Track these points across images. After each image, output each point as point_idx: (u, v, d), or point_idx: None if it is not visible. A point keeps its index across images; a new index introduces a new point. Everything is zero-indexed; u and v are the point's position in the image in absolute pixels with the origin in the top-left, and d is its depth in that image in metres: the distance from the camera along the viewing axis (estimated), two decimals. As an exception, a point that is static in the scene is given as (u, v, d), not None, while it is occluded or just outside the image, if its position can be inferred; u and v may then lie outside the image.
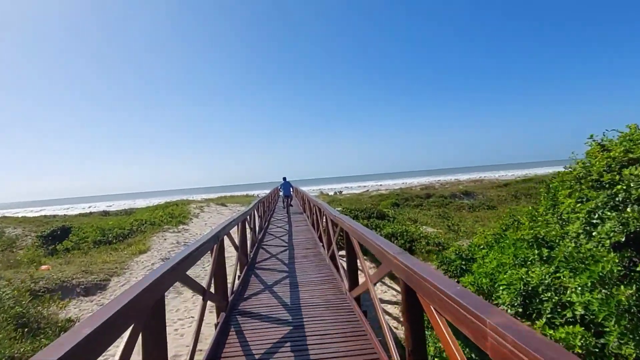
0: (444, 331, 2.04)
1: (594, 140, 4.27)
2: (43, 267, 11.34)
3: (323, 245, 9.26)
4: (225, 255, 10.43)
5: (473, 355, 3.71)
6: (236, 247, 7.22)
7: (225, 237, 6.11)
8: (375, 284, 4.07)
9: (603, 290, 2.78)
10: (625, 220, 3.05)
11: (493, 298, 4.13)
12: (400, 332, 6.50)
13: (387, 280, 8.91)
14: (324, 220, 9.09)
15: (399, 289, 8.37)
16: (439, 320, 2.09)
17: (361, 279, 6.16)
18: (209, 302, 4.78)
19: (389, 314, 7.07)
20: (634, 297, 2.70)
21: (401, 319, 6.90)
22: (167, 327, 6.89)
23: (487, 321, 1.49)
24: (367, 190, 52.96)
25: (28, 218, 34.52)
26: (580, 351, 2.74)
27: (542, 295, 3.25)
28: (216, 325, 4.79)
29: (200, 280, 9.48)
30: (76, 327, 1.78)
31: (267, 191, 26.50)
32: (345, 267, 5.74)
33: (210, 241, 4.51)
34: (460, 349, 1.94)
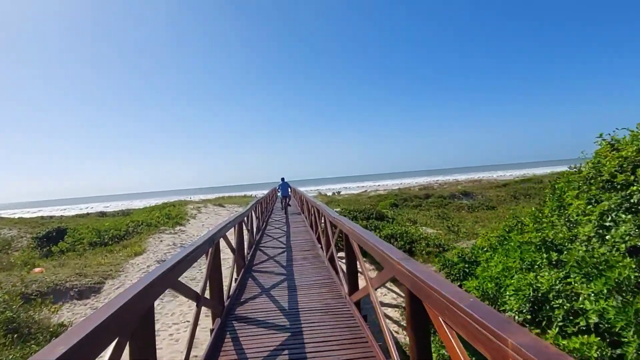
0: (455, 346, 1.88)
1: (603, 140, 4.11)
2: (36, 269, 11.14)
3: (322, 247, 9.10)
4: (223, 257, 10.27)
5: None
6: (233, 250, 7.04)
7: (222, 239, 5.95)
8: (376, 289, 3.90)
9: (619, 298, 2.62)
10: (641, 223, 2.90)
11: (499, 304, 3.97)
12: (401, 337, 6.35)
13: (387, 282, 8.75)
14: (323, 221, 8.92)
15: (399, 291, 8.23)
16: (448, 334, 1.92)
17: (361, 282, 6.01)
18: (204, 308, 4.63)
19: (390, 318, 6.91)
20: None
21: (402, 323, 6.74)
22: (162, 332, 6.74)
23: (508, 341, 1.32)
24: (366, 191, 52.83)
25: (24, 219, 34.24)
26: (596, 363, 2.59)
27: (552, 302, 3.09)
28: (212, 331, 4.61)
29: (197, 282, 9.33)
30: (50, 346, 1.60)
31: (265, 192, 26.32)
32: (345, 270, 5.58)
33: (205, 244, 4.34)
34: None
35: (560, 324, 2.97)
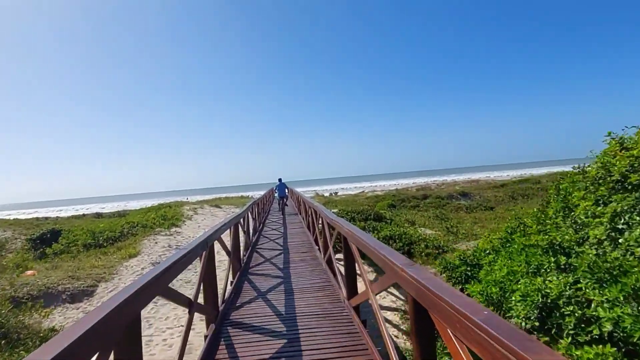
0: (465, 361, 1.72)
1: (612, 138, 3.97)
2: (28, 272, 10.93)
3: (319, 249, 8.94)
4: (218, 259, 10.09)
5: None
6: (228, 252, 6.87)
7: (217, 241, 5.78)
8: (377, 294, 3.74)
9: (636, 306, 2.47)
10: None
11: (504, 309, 3.82)
12: (401, 341, 6.19)
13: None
14: (320, 222, 8.76)
15: (399, 294, 8.07)
16: (458, 349, 1.77)
17: (360, 284, 5.85)
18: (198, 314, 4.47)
19: (389, 322, 6.75)
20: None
21: (402, 327, 6.58)
22: (155, 337, 6.56)
23: (530, 360, 1.17)
24: (363, 191, 52.70)
25: (19, 220, 33.93)
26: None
27: (563, 309, 2.93)
28: (205, 338, 4.44)
29: (192, 285, 9.14)
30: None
31: (262, 192, 26.13)
32: (343, 273, 5.42)
33: (197, 248, 4.16)
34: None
35: (571, 332, 2.82)
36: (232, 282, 6.94)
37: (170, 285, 3.28)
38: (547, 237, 3.79)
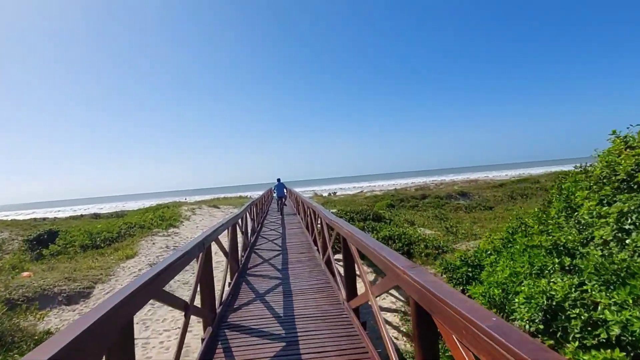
0: (472, 369, 1.64)
1: (617, 137, 3.89)
2: (24, 273, 10.82)
3: (318, 249, 8.86)
4: (217, 260, 9.99)
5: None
6: (226, 253, 6.78)
7: (214, 242, 5.70)
8: (377, 297, 3.66)
9: (645, 309, 2.40)
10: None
11: (507, 311, 3.74)
12: (401, 343, 6.11)
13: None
14: (319, 223, 8.68)
15: (399, 295, 7.99)
16: (465, 356, 1.69)
17: (359, 285, 5.77)
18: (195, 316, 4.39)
19: (389, 323, 6.66)
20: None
21: (402, 329, 6.50)
22: (152, 340, 6.47)
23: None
24: (362, 191, 52.62)
25: (17, 221, 33.79)
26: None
27: (569, 312, 2.86)
28: (202, 341, 4.35)
29: (190, 286, 9.05)
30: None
31: (261, 192, 26.03)
32: (343, 275, 5.34)
33: (194, 249, 4.08)
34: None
35: (578, 335, 2.74)
36: (229, 284, 6.85)
37: (167, 286, 3.23)
38: (550, 237, 3.72)
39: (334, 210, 16.97)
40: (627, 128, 3.87)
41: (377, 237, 10.98)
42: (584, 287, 2.97)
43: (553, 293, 2.98)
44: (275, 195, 19.95)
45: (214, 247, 6.30)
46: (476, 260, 5.53)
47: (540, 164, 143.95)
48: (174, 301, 3.46)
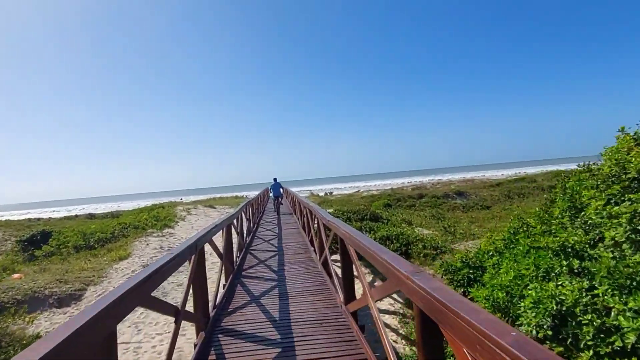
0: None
1: (626, 133, 3.75)
2: (15, 275, 10.60)
3: (314, 250, 8.69)
4: (212, 260, 9.80)
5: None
6: (220, 255, 6.60)
7: (208, 243, 5.53)
8: (377, 301, 3.50)
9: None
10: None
11: (512, 316, 3.59)
12: (400, 347, 5.96)
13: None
14: (316, 223, 8.52)
15: (397, 296, 7.84)
16: (478, 372, 1.52)
17: (357, 285, 5.62)
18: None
19: (388, 326, 6.51)
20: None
21: (401, 332, 6.35)
22: (144, 344, 6.28)
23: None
24: (358, 191, 52.48)
25: (11, 221, 33.44)
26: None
27: (580, 318, 2.70)
28: (195, 347, 4.18)
29: (184, 289, 8.86)
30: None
31: (257, 192, 25.84)
32: (340, 277, 5.17)
33: (186, 252, 3.90)
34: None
35: (590, 342, 2.59)
36: (224, 286, 6.68)
37: (161, 288, 3.06)
38: (557, 238, 3.56)
39: (330, 210, 16.82)
40: (637, 124, 3.73)
41: (374, 237, 10.83)
42: (596, 291, 2.82)
43: (563, 297, 2.83)
44: (271, 195, 19.82)
45: (208, 248, 6.14)
46: (477, 262, 5.38)
47: (536, 164, 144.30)
48: (163, 307, 3.29)
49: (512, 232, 5.66)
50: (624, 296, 2.58)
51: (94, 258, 12.08)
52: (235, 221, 9.20)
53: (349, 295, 4.90)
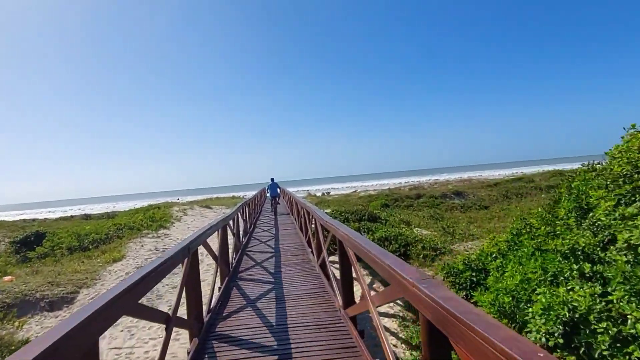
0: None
1: (637, 131, 3.60)
2: (6, 278, 10.37)
3: (312, 252, 8.53)
4: (207, 262, 9.62)
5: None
6: (215, 257, 6.43)
7: (202, 246, 5.36)
8: (378, 307, 3.34)
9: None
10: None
11: (518, 321, 3.43)
12: (400, 351, 5.81)
13: (381, 288, 8.16)
14: (313, 224, 8.36)
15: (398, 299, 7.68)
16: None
17: (356, 287, 5.45)
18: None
19: (387, 330, 6.35)
20: None
21: (401, 335, 6.19)
22: (137, 349, 6.10)
23: None
24: (356, 191, 52.33)
25: (5, 222, 33.15)
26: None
27: (594, 326, 2.55)
28: (188, 353, 4.01)
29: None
30: None
31: (254, 192, 25.65)
32: (339, 280, 5.01)
33: (177, 255, 3.73)
34: None
35: (605, 352, 2.44)
36: (219, 288, 6.51)
37: (155, 290, 2.90)
38: (567, 241, 3.41)
39: (328, 211, 16.65)
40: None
41: (372, 238, 10.67)
42: (610, 297, 2.67)
43: (575, 304, 2.68)
44: (268, 195, 19.68)
45: (203, 250, 5.97)
46: (480, 264, 5.23)
47: (533, 163, 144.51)
48: (152, 315, 3.12)
49: (514, 233, 5.51)
50: (641, 303, 2.43)
51: (87, 260, 11.87)
52: (231, 222, 9.03)
53: (348, 299, 4.74)
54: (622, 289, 2.53)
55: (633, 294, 2.50)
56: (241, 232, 10.91)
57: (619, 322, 2.52)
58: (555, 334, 2.77)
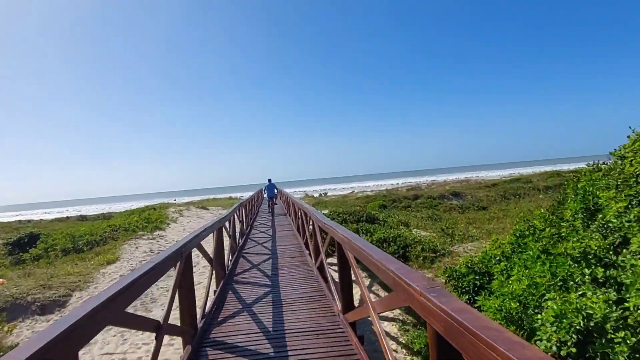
0: None
1: (651, 129, 3.46)
2: (-3, 280, 10.17)
3: (310, 254, 8.36)
4: (203, 264, 9.43)
5: None
6: (210, 260, 6.26)
7: (196, 248, 5.19)
8: (380, 313, 3.18)
9: None
10: None
11: (526, 328, 3.28)
12: (400, 356, 5.65)
13: (380, 291, 7.99)
14: (311, 225, 8.20)
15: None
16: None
17: (355, 291, 5.30)
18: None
19: (387, 334, 6.19)
20: None
21: (401, 340, 6.04)
22: (129, 354, 5.92)
23: None
24: (353, 192, 52.18)
25: (0, 223, 32.90)
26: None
27: (610, 335, 2.40)
28: (181, 361, 3.84)
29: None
30: None
31: (251, 193, 25.47)
32: (338, 284, 4.85)
33: (169, 259, 3.56)
34: None
35: (624, 364, 2.28)
36: (215, 292, 6.34)
37: (149, 293, 2.75)
38: (578, 244, 3.26)
39: (325, 212, 16.49)
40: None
41: (371, 239, 10.52)
42: (626, 305, 2.52)
43: (590, 311, 2.53)
44: (265, 195, 19.55)
45: (198, 253, 5.79)
46: (484, 267, 5.07)
47: (530, 164, 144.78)
48: (141, 323, 2.95)
49: (518, 235, 5.36)
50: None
51: (81, 262, 11.66)
52: (227, 223, 8.87)
53: (347, 304, 4.58)
54: (637, 295, 2.38)
55: (653, 302, 2.36)
56: (237, 234, 10.74)
57: (637, 330, 2.37)
58: (568, 343, 2.62)
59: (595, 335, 2.55)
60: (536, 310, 3.25)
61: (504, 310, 3.44)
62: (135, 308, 7.55)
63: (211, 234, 6.55)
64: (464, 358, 1.54)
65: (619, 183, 3.58)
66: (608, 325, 2.43)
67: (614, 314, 2.46)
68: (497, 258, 4.95)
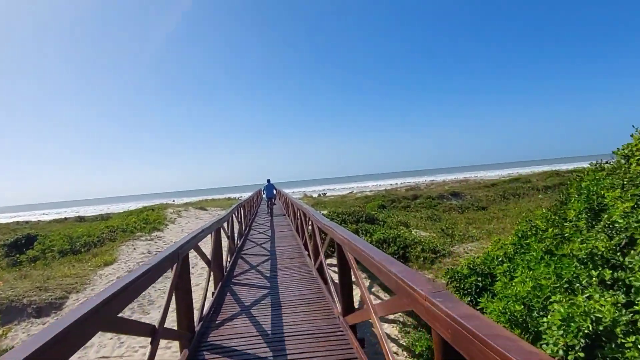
0: None
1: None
2: (-7, 283, 10.06)
3: (309, 255, 8.28)
4: (201, 266, 9.33)
5: None
6: (208, 262, 6.17)
7: (194, 250, 5.10)
8: (381, 317, 3.10)
9: None
10: None
11: (531, 331, 3.20)
12: (401, 358, 5.57)
13: (380, 292, 7.91)
14: (310, 226, 8.12)
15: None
16: None
17: (355, 292, 5.21)
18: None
19: (387, 336, 6.11)
20: None
21: (401, 342, 5.96)
22: (126, 358, 5.83)
23: None
24: (352, 192, 52.10)
25: (-2, 224, 32.75)
26: None
27: (620, 339, 2.32)
28: (178, 366, 3.75)
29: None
30: None
31: (250, 194, 25.38)
32: (338, 286, 4.76)
33: (165, 262, 3.47)
34: None
35: (634, 370, 2.20)
36: (213, 294, 6.25)
37: (147, 295, 2.68)
38: (585, 245, 3.19)
39: (324, 212, 16.40)
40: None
41: (371, 240, 10.44)
42: (635, 308, 2.44)
43: (599, 315, 2.45)
44: (264, 196, 19.47)
45: (196, 254, 5.71)
46: (486, 269, 4.99)
47: (529, 164, 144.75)
48: (136, 328, 2.86)
49: (520, 235, 5.28)
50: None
51: (78, 263, 11.56)
52: (225, 224, 8.78)
53: (347, 306, 4.49)
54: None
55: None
56: (236, 234, 10.65)
57: (648, 335, 2.29)
58: (576, 348, 2.54)
59: (604, 339, 2.48)
60: (541, 313, 3.17)
61: (508, 313, 3.36)
62: (132, 310, 7.46)
63: (209, 235, 6.47)
64: (472, 366, 1.46)
65: (624, 182, 3.51)
66: (618, 330, 2.35)
67: (624, 318, 2.38)
68: (500, 259, 4.87)
